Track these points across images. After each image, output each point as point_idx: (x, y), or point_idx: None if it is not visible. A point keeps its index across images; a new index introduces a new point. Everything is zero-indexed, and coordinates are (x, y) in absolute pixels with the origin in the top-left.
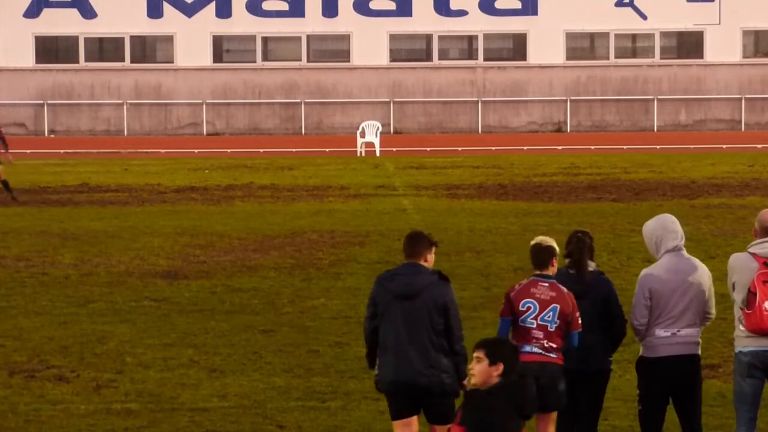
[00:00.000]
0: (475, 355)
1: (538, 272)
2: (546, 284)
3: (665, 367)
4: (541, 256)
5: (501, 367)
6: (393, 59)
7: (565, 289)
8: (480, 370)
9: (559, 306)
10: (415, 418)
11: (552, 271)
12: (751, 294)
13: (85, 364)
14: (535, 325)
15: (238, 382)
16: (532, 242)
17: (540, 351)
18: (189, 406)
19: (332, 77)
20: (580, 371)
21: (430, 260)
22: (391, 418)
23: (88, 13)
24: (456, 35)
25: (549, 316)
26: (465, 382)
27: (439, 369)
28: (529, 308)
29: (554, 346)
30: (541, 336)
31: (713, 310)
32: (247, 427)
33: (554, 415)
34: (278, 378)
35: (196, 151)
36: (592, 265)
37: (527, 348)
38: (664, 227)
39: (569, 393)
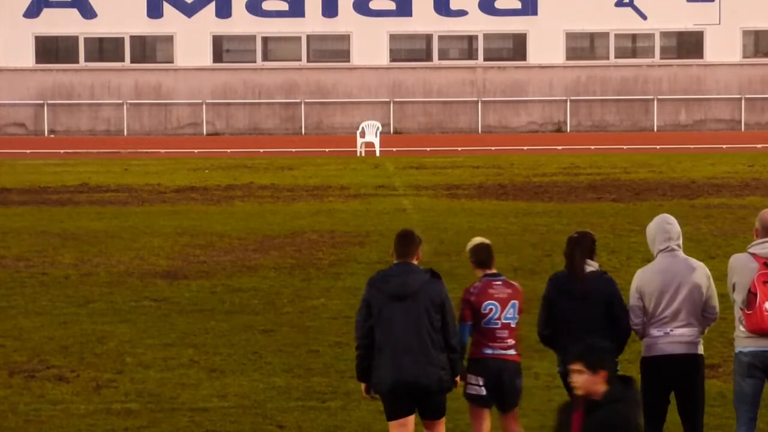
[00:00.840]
0: (573, 368)
1: (488, 272)
2: (499, 282)
3: (660, 367)
4: (484, 255)
5: (604, 374)
6: (393, 59)
7: (516, 284)
8: (583, 382)
9: (517, 302)
10: (411, 417)
11: (494, 269)
12: (751, 294)
13: (85, 364)
14: (499, 325)
15: (238, 382)
16: (471, 244)
17: (501, 351)
18: (189, 406)
19: (332, 77)
20: None
21: (419, 257)
22: (387, 419)
23: (88, 13)
24: (456, 35)
25: (510, 313)
26: (458, 378)
27: (438, 366)
28: (491, 310)
29: (513, 342)
30: (506, 335)
31: (716, 310)
32: (247, 427)
33: (517, 410)
34: (278, 378)
35: (196, 151)
36: (594, 265)
37: (488, 351)
38: (657, 227)
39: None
